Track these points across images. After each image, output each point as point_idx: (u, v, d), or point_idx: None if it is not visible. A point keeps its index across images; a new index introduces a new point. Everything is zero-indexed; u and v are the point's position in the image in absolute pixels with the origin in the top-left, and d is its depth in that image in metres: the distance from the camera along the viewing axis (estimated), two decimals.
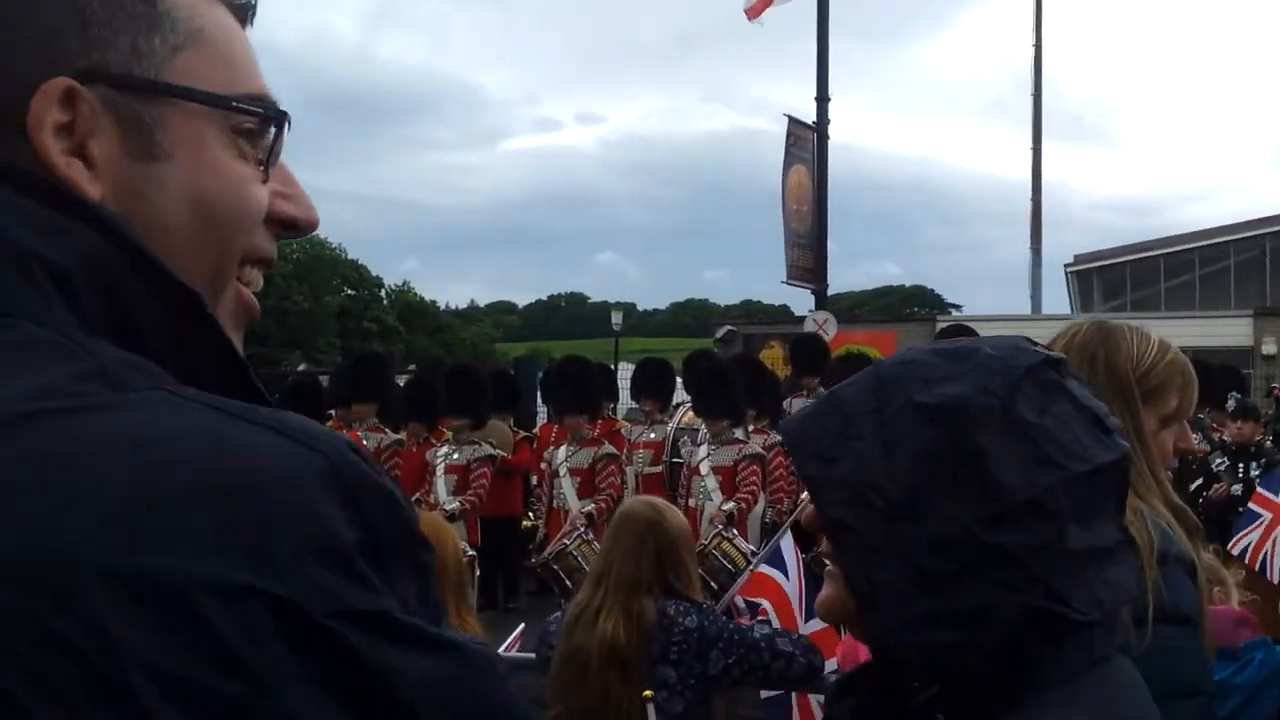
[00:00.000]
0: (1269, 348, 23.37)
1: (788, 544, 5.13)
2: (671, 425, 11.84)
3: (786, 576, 4.85)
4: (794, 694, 4.45)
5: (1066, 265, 34.74)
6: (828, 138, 23.90)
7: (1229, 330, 23.50)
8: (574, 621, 3.79)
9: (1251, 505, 6.37)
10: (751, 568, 5.15)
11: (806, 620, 4.66)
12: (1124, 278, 32.73)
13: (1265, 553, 5.97)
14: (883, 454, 1.25)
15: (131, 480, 0.79)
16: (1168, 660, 1.80)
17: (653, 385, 12.07)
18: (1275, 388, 12.00)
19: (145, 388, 0.83)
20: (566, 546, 9.14)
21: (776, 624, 4.40)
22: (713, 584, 8.47)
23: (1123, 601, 1.28)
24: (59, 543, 0.75)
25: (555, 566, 9.07)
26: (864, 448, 1.27)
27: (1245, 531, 5.91)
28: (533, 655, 4.19)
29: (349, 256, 73.49)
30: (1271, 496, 6.31)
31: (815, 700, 4.41)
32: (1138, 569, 1.38)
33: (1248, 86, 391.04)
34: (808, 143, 23.91)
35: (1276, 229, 31.42)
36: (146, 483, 0.79)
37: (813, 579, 5.19)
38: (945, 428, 1.23)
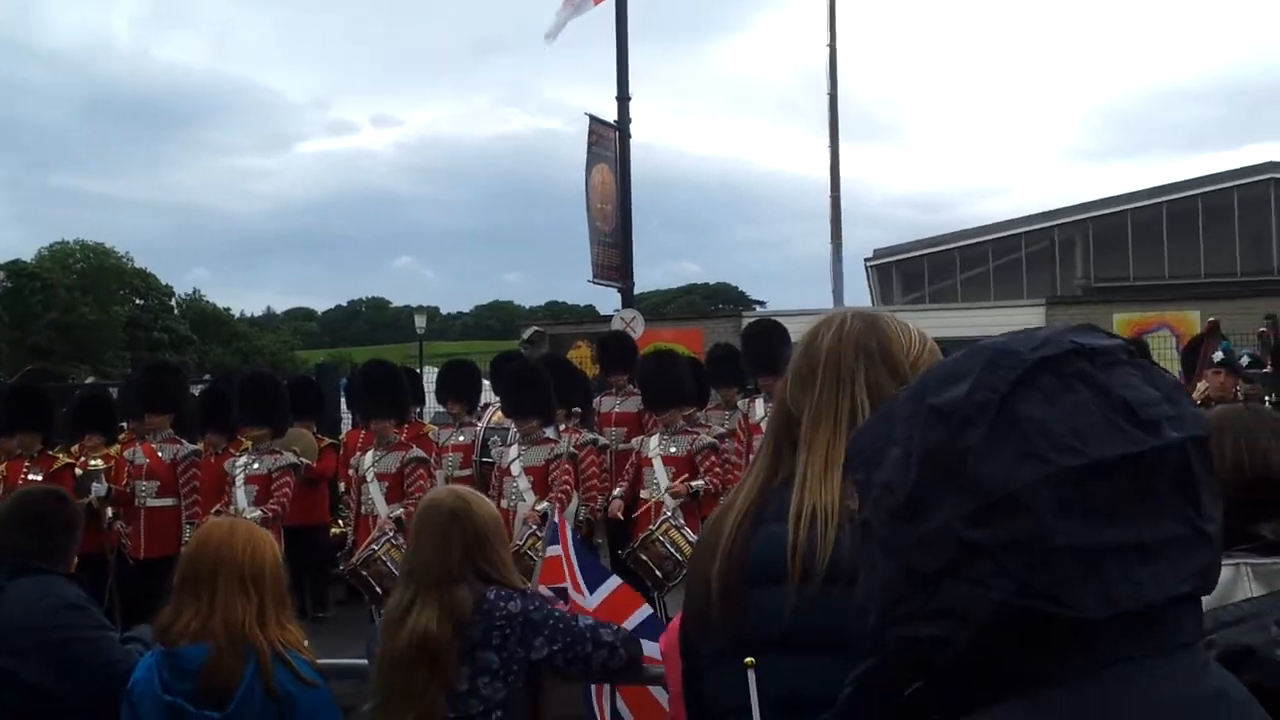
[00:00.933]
0: None
1: (557, 517, 5.10)
2: (480, 426, 11.74)
3: (558, 546, 4.85)
4: (618, 691, 4.39)
5: (866, 260, 35.71)
6: (629, 136, 24.04)
7: (1022, 319, 24.40)
8: (389, 622, 3.69)
9: None
10: (542, 554, 5.13)
11: (591, 592, 4.65)
12: (922, 271, 33.78)
13: None
14: (904, 457, 1.25)
15: None
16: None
17: (458, 387, 11.94)
18: None
19: None
20: (375, 552, 9.02)
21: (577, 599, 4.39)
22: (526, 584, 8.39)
23: (1155, 599, 1.20)
24: None
25: (364, 572, 8.96)
26: (896, 452, 1.27)
27: None
28: (353, 661, 4.11)
29: (136, 265, 71.03)
30: None
31: (656, 691, 4.34)
32: (1210, 561, 1.27)
33: (1033, 86, 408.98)
34: (610, 142, 23.96)
35: (1064, 221, 32.93)
36: None
37: (587, 551, 5.21)
38: (945, 428, 1.23)
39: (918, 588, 1.22)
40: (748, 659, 1.80)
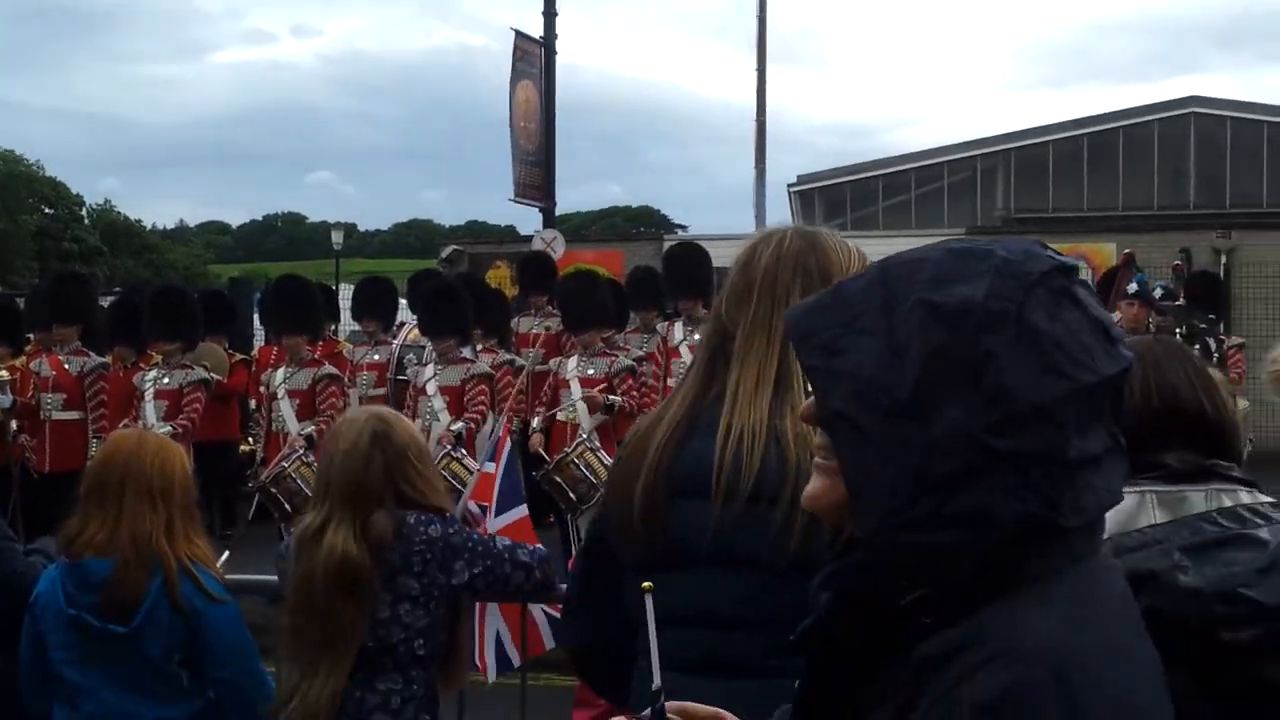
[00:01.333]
0: None
1: (500, 433, 5.09)
2: (396, 343, 11.61)
3: (492, 463, 4.84)
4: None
5: (790, 185, 35.63)
6: (555, 53, 23.75)
7: None
8: (302, 541, 3.61)
9: None
10: (479, 468, 5.11)
11: (497, 515, 4.61)
12: (844, 198, 33.79)
13: None
14: (889, 351, 1.24)
15: None
16: None
17: (374, 304, 11.80)
18: None
19: None
20: (285, 469, 8.96)
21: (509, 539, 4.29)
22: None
23: (1106, 506, 1.30)
24: None
25: (273, 490, 8.90)
26: (871, 344, 1.26)
27: None
28: (262, 577, 4.09)
29: (47, 174, 69.21)
30: None
31: (541, 610, 4.39)
32: (1125, 473, 1.36)
33: (969, 19, 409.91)
34: (535, 58, 23.62)
35: (986, 151, 33.06)
36: None
37: (515, 474, 5.19)
38: (957, 330, 1.23)
39: (930, 492, 1.22)
40: (646, 584, 1.75)
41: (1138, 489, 2.27)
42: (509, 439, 5.60)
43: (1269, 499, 2.28)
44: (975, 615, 1.24)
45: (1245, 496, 2.26)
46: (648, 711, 1.58)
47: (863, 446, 1.25)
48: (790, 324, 1.36)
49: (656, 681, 1.60)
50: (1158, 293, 11.43)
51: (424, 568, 3.56)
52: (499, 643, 4.48)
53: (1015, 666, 1.19)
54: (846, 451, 1.28)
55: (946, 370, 1.22)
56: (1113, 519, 2.25)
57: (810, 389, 1.36)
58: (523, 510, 4.78)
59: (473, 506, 4.51)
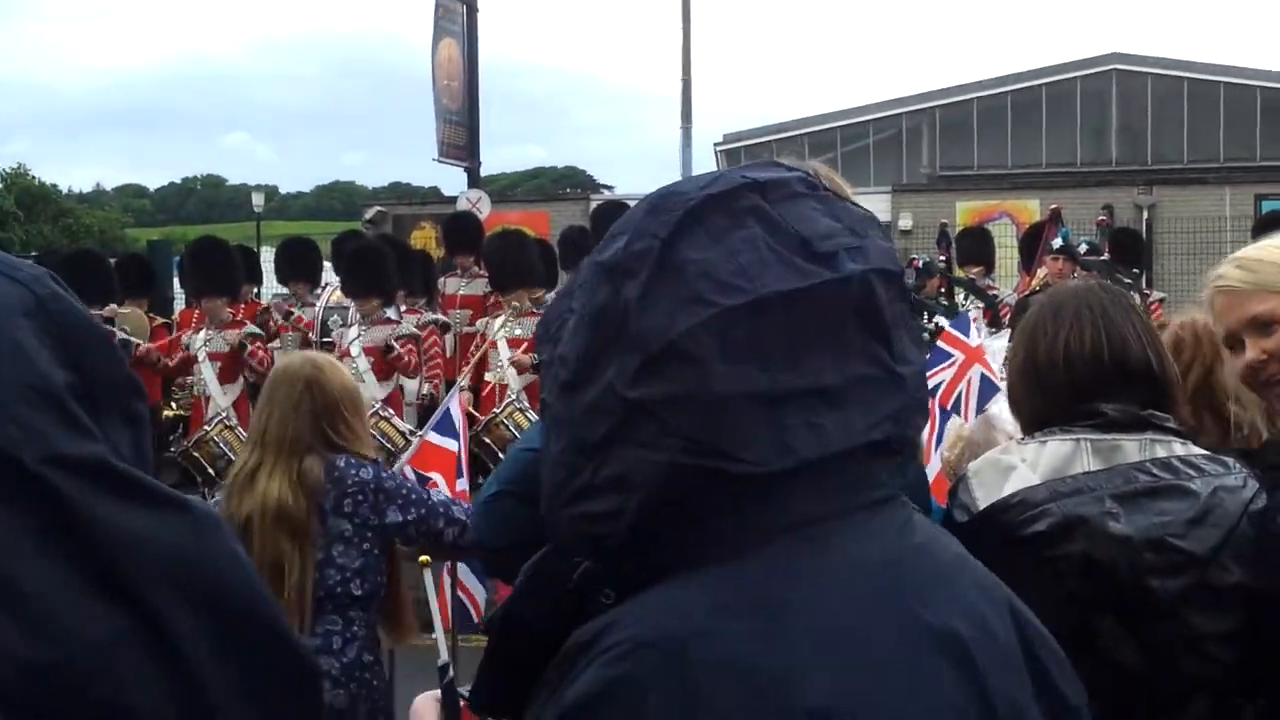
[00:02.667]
0: (905, 222, 24.59)
1: (455, 407, 5.10)
2: (319, 305, 11.43)
3: (456, 441, 4.89)
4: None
5: (715, 144, 35.65)
6: (477, 10, 23.45)
7: (870, 205, 23.25)
8: (233, 485, 3.64)
9: (940, 343, 6.32)
10: (421, 434, 5.11)
11: (459, 478, 4.75)
12: (770, 155, 33.83)
13: (959, 392, 6.03)
14: (575, 326, 1.14)
15: None
16: None
17: (297, 265, 11.69)
18: (914, 259, 12.61)
19: None
20: (207, 433, 8.91)
21: (447, 495, 4.34)
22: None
23: (837, 445, 1.08)
24: None
25: (196, 454, 8.79)
26: (571, 321, 1.15)
27: (936, 370, 5.91)
28: None
29: None
30: (961, 336, 6.36)
31: (465, 569, 4.51)
32: (903, 404, 1.15)
33: None
34: (457, 15, 23.31)
35: (911, 109, 33.23)
36: None
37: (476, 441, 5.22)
38: (610, 284, 1.11)
39: (586, 459, 1.09)
40: (422, 558, 1.71)
41: (1072, 436, 2.27)
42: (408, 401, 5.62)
43: (1201, 451, 2.28)
44: (628, 600, 1.10)
45: (1179, 448, 2.26)
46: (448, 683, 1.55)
47: (551, 429, 1.15)
48: (538, 325, 1.27)
49: (444, 657, 1.57)
50: (1082, 248, 11.53)
51: (355, 508, 3.60)
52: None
53: (627, 659, 1.04)
54: (543, 439, 1.18)
55: (603, 330, 1.10)
56: (1047, 464, 2.24)
57: None
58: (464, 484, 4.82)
59: (409, 471, 4.53)
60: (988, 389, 5.90)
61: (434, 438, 4.85)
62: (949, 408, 5.88)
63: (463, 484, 4.73)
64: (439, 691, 1.53)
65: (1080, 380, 2.30)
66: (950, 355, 6.14)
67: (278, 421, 3.61)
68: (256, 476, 3.56)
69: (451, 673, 1.53)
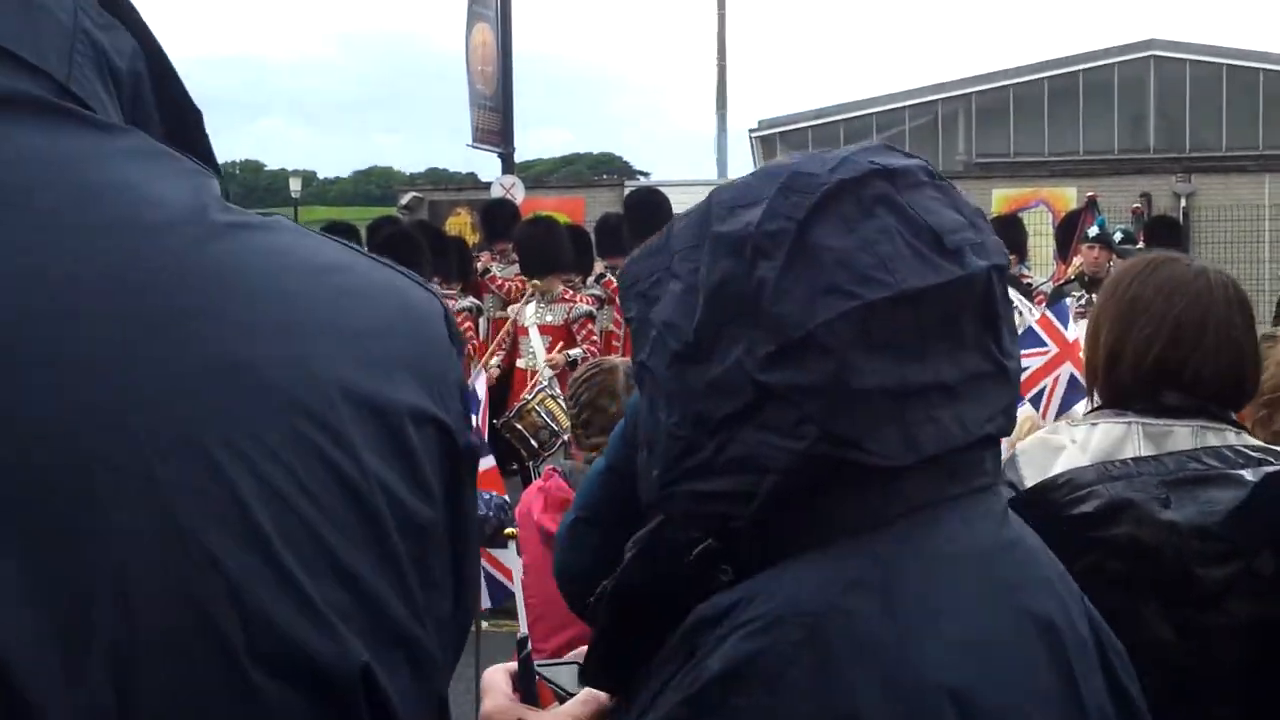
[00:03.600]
0: None
1: (481, 384, 5.14)
2: None
3: (475, 415, 4.90)
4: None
5: (751, 131, 35.54)
6: None
7: None
8: None
9: (1037, 328, 6.03)
10: None
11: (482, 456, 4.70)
12: (806, 143, 33.62)
13: (1044, 386, 5.80)
14: (684, 292, 1.14)
15: (335, 308, 0.83)
16: None
17: None
18: None
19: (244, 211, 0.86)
20: None
21: None
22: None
23: (958, 442, 1.12)
24: (309, 367, 0.79)
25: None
26: (676, 286, 1.15)
27: (1025, 353, 5.47)
28: None
29: None
30: (1059, 326, 6.05)
31: (500, 555, 4.45)
32: (1008, 402, 1.18)
33: None
34: (491, 0, 23.34)
35: (948, 95, 33.05)
36: (346, 312, 0.83)
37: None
38: (735, 259, 1.10)
39: (708, 437, 1.10)
40: (509, 530, 1.72)
41: (1124, 420, 2.27)
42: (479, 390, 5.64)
43: (1256, 442, 2.26)
44: (759, 575, 1.11)
45: (1233, 438, 2.24)
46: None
47: (657, 398, 1.15)
48: (620, 273, 1.26)
49: (522, 629, 1.59)
50: (1118, 236, 11.44)
51: None
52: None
53: (769, 633, 1.06)
54: (644, 405, 1.18)
55: (727, 305, 1.10)
56: (1097, 446, 2.23)
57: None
58: (490, 461, 4.80)
59: None
60: (1073, 391, 5.68)
61: None
62: (1026, 397, 5.60)
63: (487, 462, 4.69)
64: (512, 664, 1.53)
65: (1147, 370, 2.28)
66: (1044, 344, 5.90)
67: None
68: None
69: (530, 645, 1.53)
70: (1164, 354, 2.27)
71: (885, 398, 1.08)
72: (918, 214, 1.12)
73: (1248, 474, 2.15)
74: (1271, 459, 2.19)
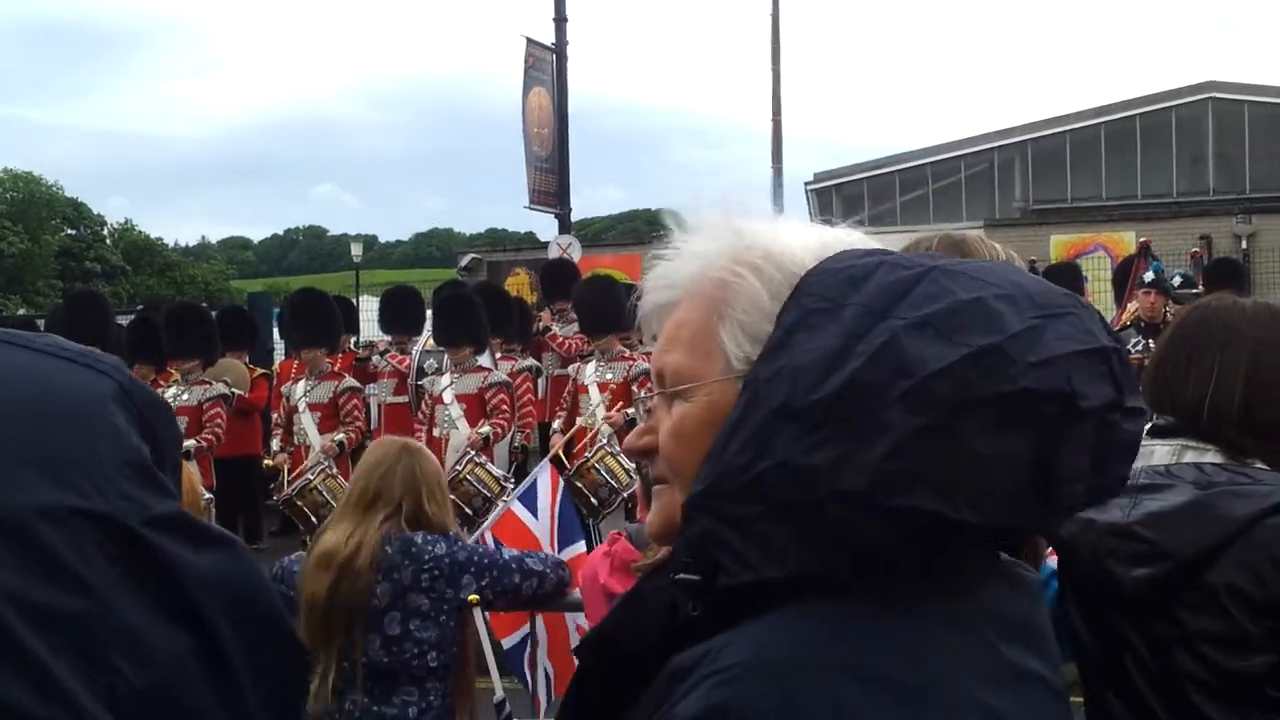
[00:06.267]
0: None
1: (544, 479, 5.08)
2: (415, 349, 11.64)
3: (535, 517, 4.85)
4: (536, 634, 4.46)
5: (806, 184, 35.64)
6: (566, 59, 23.77)
7: None
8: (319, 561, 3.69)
9: None
10: (506, 503, 5.09)
11: (560, 550, 4.76)
12: (861, 194, 33.69)
13: None
14: (836, 352, 1.13)
15: None
16: None
17: (401, 314, 11.94)
18: None
19: None
20: (310, 481, 8.99)
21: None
22: (467, 509, 8.40)
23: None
24: None
25: (299, 502, 8.89)
26: (834, 336, 1.14)
27: None
28: None
29: (67, 194, 69.75)
30: None
31: (570, 618, 4.44)
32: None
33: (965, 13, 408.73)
34: (547, 64, 23.67)
35: (1004, 143, 32.95)
36: None
37: (569, 506, 5.17)
38: (886, 376, 1.11)
39: (755, 500, 1.11)
40: (472, 597, 1.76)
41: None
42: (560, 481, 5.56)
43: (1230, 460, 2.24)
44: (736, 629, 1.11)
45: (1211, 456, 2.25)
46: None
47: (747, 408, 1.13)
48: (809, 272, 1.20)
49: (499, 694, 1.59)
50: (1176, 280, 11.36)
51: (432, 583, 3.68)
52: (549, 681, 4.55)
53: (733, 685, 1.06)
54: (736, 409, 1.15)
55: (850, 416, 1.07)
56: None
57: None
58: (581, 546, 4.83)
59: (488, 538, 4.55)
60: None
61: (518, 509, 4.84)
62: None
63: (562, 555, 4.68)
64: None
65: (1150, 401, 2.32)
66: None
67: (362, 484, 3.76)
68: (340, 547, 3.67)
69: (509, 708, 1.58)
70: (1151, 379, 2.35)
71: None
72: (1051, 465, 1.10)
73: (1196, 486, 2.19)
74: (1246, 479, 2.19)
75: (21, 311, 33.02)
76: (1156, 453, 2.28)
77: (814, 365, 1.10)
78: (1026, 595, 1.21)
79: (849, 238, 1.29)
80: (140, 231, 75.48)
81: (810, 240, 1.26)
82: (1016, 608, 1.18)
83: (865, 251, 1.21)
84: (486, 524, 4.69)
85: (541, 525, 4.91)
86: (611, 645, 1.28)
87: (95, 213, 71.29)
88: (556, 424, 10.47)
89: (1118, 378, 1.13)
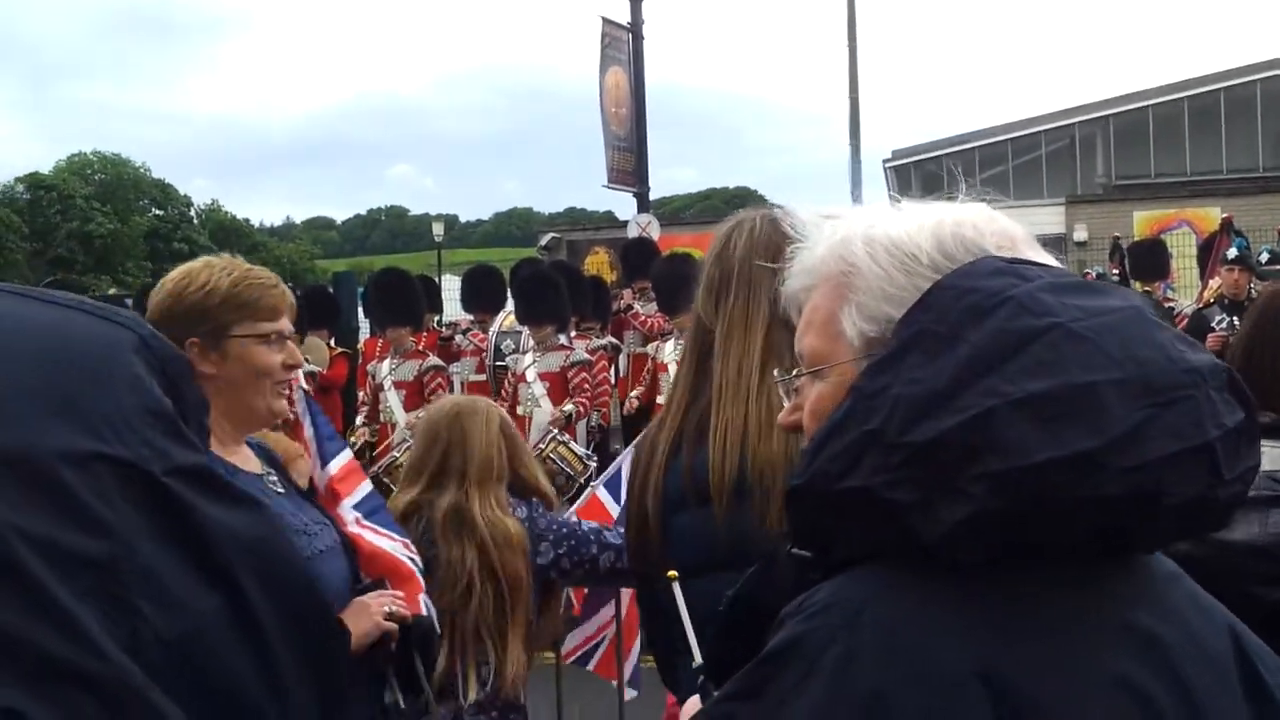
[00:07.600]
0: (1080, 234, 24.03)
1: (629, 465, 5.12)
2: (493, 329, 11.73)
3: (618, 503, 4.88)
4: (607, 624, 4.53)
5: (885, 161, 35.37)
6: (643, 38, 23.74)
7: (1043, 218, 23.96)
8: (443, 526, 3.66)
9: None
10: (592, 487, 5.15)
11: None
12: (940, 170, 33.32)
13: None
14: (968, 360, 1.20)
15: None
16: None
17: (481, 293, 11.99)
18: (1088, 273, 12.35)
19: None
20: (396, 459, 9.06)
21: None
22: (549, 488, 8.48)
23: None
24: None
25: (385, 480, 8.99)
26: (948, 368, 1.20)
27: None
28: None
29: (154, 175, 70.91)
30: None
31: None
32: None
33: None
34: (623, 43, 23.68)
35: (1084, 119, 32.41)
36: None
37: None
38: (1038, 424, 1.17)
39: (886, 454, 1.18)
40: (671, 572, 1.85)
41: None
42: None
43: None
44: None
45: None
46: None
47: (848, 416, 1.21)
48: (940, 285, 1.23)
49: (697, 659, 1.68)
50: (1264, 257, 11.16)
51: None
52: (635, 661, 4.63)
53: (809, 621, 1.17)
54: (840, 410, 1.23)
55: (941, 455, 1.14)
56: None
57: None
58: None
59: (572, 518, 4.61)
60: None
61: (602, 494, 4.87)
62: None
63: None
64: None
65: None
66: None
67: (480, 457, 3.71)
68: (467, 510, 3.63)
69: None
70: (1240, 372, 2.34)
71: None
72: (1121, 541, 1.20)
73: None
74: None
75: (111, 291, 33.68)
76: (1267, 455, 2.16)
77: (915, 402, 1.16)
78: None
79: (971, 214, 1.34)
80: (226, 212, 76.71)
81: (927, 219, 1.32)
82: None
83: (996, 269, 1.24)
84: (573, 509, 4.75)
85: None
86: (751, 601, 1.43)
87: (181, 194, 72.41)
88: (634, 394, 10.57)
89: (1219, 466, 1.17)
